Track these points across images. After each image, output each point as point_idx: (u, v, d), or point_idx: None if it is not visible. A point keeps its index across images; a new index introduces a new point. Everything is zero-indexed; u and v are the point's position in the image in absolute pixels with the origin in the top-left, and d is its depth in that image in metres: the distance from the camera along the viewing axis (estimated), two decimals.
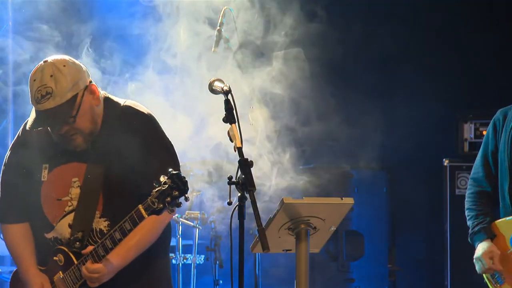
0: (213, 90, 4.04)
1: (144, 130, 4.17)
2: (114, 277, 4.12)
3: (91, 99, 4.13)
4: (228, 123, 3.94)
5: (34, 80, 4.06)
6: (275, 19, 7.41)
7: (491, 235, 4.85)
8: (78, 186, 4.17)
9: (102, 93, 4.25)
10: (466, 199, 5.06)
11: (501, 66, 8.06)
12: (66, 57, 4.15)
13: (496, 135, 4.95)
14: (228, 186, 3.87)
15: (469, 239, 4.98)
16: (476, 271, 4.99)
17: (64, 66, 4.07)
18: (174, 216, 7.00)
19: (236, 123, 3.92)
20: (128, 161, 4.11)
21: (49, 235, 4.22)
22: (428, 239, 7.70)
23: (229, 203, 4.00)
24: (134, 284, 4.21)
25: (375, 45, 8.29)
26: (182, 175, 3.84)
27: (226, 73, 7.02)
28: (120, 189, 4.13)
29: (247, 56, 7.34)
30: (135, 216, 3.91)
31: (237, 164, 3.84)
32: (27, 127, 4.12)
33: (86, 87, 4.11)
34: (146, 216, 3.88)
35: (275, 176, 7.58)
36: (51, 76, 4.03)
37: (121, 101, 4.27)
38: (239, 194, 3.81)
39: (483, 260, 4.80)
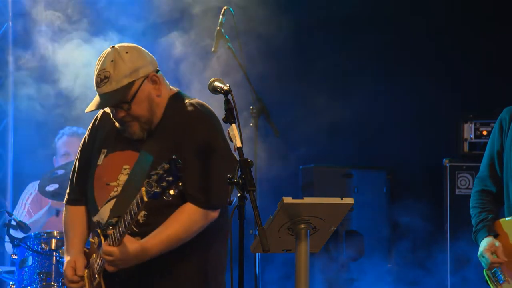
0: (213, 90, 4.04)
1: (201, 134, 4.14)
2: (141, 269, 4.08)
3: (151, 88, 4.13)
4: (228, 123, 3.94)
5: (98, 64, 4.12)
6: None
7: (493, 232, 4.83)
8: (127, 173, 4.17)
9: (172, 88, 4.26)
10: (471, 198, 5.04)
11: (502, 66, 8.06)
12: (134, 45, 4.17)
13: (502, 134, 4.90)
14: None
15: (472, 237, 4.96)
16: (478, 271, 4.97)
17: (127, 52, 4.09)
18: None
19: (236, 123, 3.93)
20: (178, 157, 4.07)
21: (94, 218, 4.22)
22: (428, 239, 7.70)
23: (229, 203, 4.01)
24: (163, 279, 4.15)
25: (374, 45, 8.29)
26: (179, 160, 3.80)
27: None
28: None
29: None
30: (138, 199, 3.89)
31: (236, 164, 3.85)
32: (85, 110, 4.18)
33: (148, 76, 4.11)
34: (146, 199, 3.83)
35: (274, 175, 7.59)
36: (112, 61, 4.07)
37: (188, 98, 4.25)
38: (239, 194, 3.82)
39: (486, 256, 4.78)
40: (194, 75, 7.38)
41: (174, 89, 4.29)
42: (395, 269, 7.82)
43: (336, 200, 4.12)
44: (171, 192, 3.80)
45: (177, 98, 4.24)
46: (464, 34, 8.16)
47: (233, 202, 3.89)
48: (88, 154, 4.33)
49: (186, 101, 4.23)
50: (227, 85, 4.00)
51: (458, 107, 7.72)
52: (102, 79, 4.08)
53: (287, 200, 4.01)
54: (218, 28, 6.98)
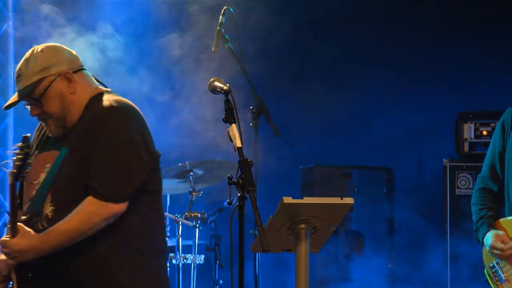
0: (213, 90, 4.05)
1: (107, 126, 4.12)
2: (42, 263, 4.07)
3: (64, 86, 4.16)
4: (228, 123, 3.94)
5: None
6: None
7: (492, 227, 4.83)
8: (47, 171, 4.20)
9: (100, 87, 4.26)
10: (472, 196, 5.05)
11: (502, 66, 8.06)
12: (54, 44, 4.23)
13: (504, 135, 4.90)
14: (228, 186, 3.88)
15: (474, 236, 4.95)
16: (477, 270, 4.96)
17: (42, 51, 4.17)
18: (174, 216, 7.01)
19: (236, 123, 3.93)
20: (83, 156, 4.10)
21: (22, 218, 4.22)
22: (428, 240, 7.70)
23: (229, 203, 4.00)
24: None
25: (374, 43, 8.29)
26: (28, 138, 3.92)
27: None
28: (69, 180, 4.11)
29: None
30: (9, 184, 3.97)
31: (236, 164, 3.85)
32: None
33: (60, 74, 4.15)
34: (10, 182, 3.92)
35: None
36: (26, 60, 4.17)
37: (110, 96, 4.24)
38: (239, 194, 3.82)
39: (497, 246, 4.75)
40: (193, 75, 7.38)
41: (102, 89, 4.28)
42: (395, 268, 7.82)
43: (336, 200, 4.12)
44: (27, 170, 3.90)
45: (99, 97, 4.23)
46: (464, 32, 8.16)
47: (233, 202, 3.89)
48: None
49: (105, 97, 4.22)
50: (227, 85, 4.01)
51: (458, 107, 7.73)
52: (17, 77, 4.18)
53: (287, 200, 4.01)
54: (218, 28, 6.97)
